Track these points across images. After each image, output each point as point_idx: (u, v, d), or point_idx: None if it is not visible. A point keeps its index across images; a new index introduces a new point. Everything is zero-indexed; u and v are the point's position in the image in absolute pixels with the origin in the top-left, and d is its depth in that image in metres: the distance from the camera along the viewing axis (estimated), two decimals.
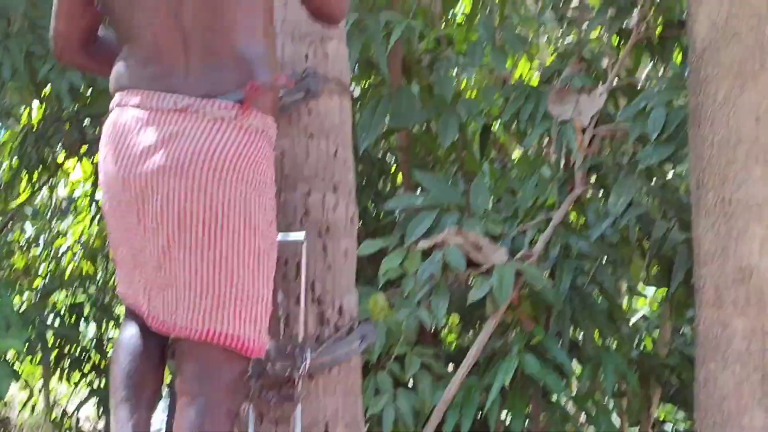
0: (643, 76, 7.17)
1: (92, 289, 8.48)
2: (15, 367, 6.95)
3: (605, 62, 5.97)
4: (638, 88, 5.90)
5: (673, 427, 8.48)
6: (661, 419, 8.32)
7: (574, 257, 5.52)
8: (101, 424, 8.72)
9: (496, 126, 6.53)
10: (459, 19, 7.60)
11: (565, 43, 6.76)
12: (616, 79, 5.75)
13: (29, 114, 7.82)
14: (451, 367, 5.58)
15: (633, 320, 7.56)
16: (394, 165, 7.25)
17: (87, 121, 7.48)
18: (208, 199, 2.72)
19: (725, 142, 4.27)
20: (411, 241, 5.44)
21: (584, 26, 6.28)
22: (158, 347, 3.11)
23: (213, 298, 2.77)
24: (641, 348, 6.61)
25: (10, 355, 7.02)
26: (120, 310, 9.41)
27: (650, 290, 7.88)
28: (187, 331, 2.80)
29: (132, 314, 3.12)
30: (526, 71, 7.83)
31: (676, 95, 5.18)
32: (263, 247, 2.83)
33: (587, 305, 5.50)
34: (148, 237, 2.79)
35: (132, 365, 3.07)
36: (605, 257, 5.48)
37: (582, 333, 5.63)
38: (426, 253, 5.37)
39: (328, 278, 3.35)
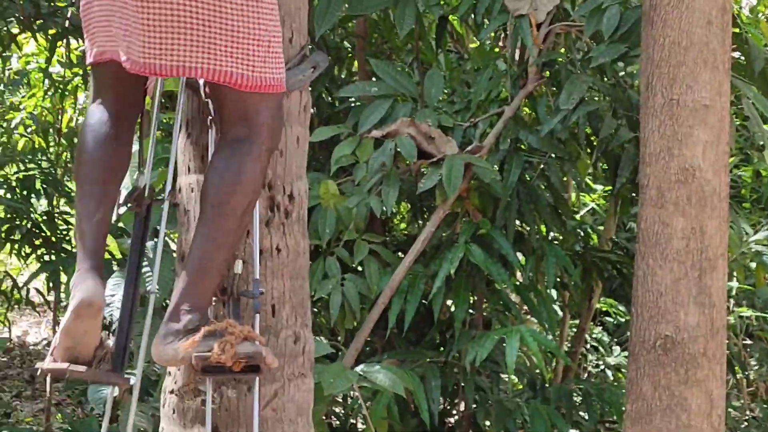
0: None
1: (44, 164, 8.45)
2: None
3: None
4: None
5: (613, 320, 8.69)
6: (602, 312, 8.53)
7: (523, 152, 5.60)
8: (51, 298, 8.76)
9: (453, 17, 6.51)
10: None
11: None
12: None
13: None
14: (399, 255, 5.67)
15: (580, 214, 7.70)
16: (351, 52, 7.23)
17: None
18: None
19: (676, 45, 4.32)
20: (364, 130, 5.48)
21: None
22: (128, 132, 3.23)
23: (230, 40, 2.93)
24: (586, 242, 6.74)
25: None
26: (71, 185, 9.42)
27: (599, 188, 7.99)
28: (197, 71, 2.96)
29: (103, 92, 3.19)
30: None
31: None
32: None
33: (534, 199, 5.59)
34: None
35: (100, 152, 3.14)
36: (554, 153, 5.55)
37: (528, 226, 5.72)
38: (378, 143, 5.42)
39: (279, 164, 3.39)
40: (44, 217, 7.99)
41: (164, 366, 3.48)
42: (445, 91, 6.20)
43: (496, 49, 6.51)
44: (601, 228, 7.09)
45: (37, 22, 7.60)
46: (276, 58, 3.07)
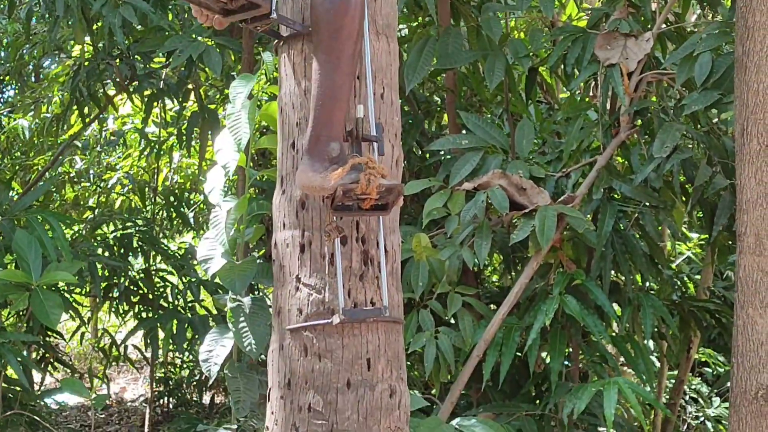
0: (692, 20, 7.12)
1: (140, 222, 8.61)
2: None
3: (653, 6, 5.93)
4: (686, 33, 5.86)
5: (712, 371, 8.53)
6: (700, 362, 8.38)
7: (617, 201, 5.55)
8: (148, 354, 8.88)
9: (542, 69, 6.52)
10: None
11: None
12: (664, 23, 5.71)
13: (81, 49, 7.91)
14: (492, 307, 5.65)
15: (676, 263, 7.60)
16: (440, 106, 7.27)
17: (138, 57, 7.55)
18: None
19: None
20: (455, 182, 5.49)
21: None
22: None
23: None
24: (683, 291, 6.63)
25: (61, 285, 7.15)
26: (168, 243, 9.57)
27: (694, 236, 7.89)
28: None
29: None
30: (575, 14, 7.79)
31: (724, 41, 5.16)
32: None
33: (629, 248, 5.53)
34: None
35: None
36: (648, 201, 5.50)
37: (623, 276, 5.66)
38: (470, 195, 5.42)
39: (372, 218, 3.41)
40: (141, 275, 8.13)
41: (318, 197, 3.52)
42: (536, 141, 6.19)
43: (587, 99, 6.49)
44: (698, 277, 6.99)
45: (133, 83, 7.79)
46: None
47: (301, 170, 3.21)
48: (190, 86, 7.85)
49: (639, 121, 5.60)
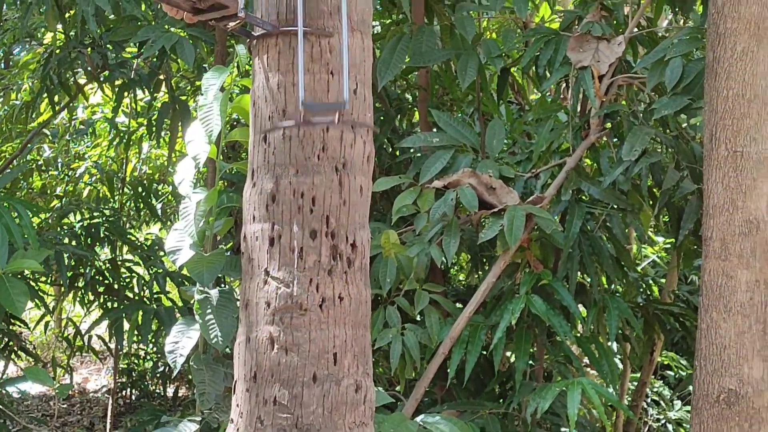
0: (664, 25, 7.17)
1: (107, 212, 8.57)
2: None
3: (626, 10, 5.97)
4: (658, 37, 5.90)
5: (674, 374, 8.60)
6: (663, 365, 8.44)
7: (585, 203, 5.58)
8: (112, 345, 8.84)
9: (514, 69, 6.55)
10: None
11: None
12: (636, 27, 5.75)
13: (53, 37, 7.86)
14: (459, 305, 5.67)
15: (642, 266, 7.65)
16: (412, 103, 7.28)
17: (110, 47, 7.51)
18: None
19: (740, 97, 4.32)
20: (425, 180, 5.50)
21: None
22: None
23: None
24: (648, 294, 6.67)
25: (27, 274, 7.11)
26: (135, 234, 9.54)
27: (660, 240, 7.94)
28: None
29: None
30: (548, 15, 7.82)
31: (695, 47, 5.20)
32: None
33: (596, 250, 5.57)
34: None
35: None
36: (616, 204, 5.54)
37: (589, 277, 5.70)
38: (439, 193, 5.44)
39: (343, 213, 3.42)
40: (108, 265, 8.09)
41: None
42: (507, 142, 6.21)
43: (558, 101, 6.52)
44: (663, 280, 7.04)
45: (104, 73, 7.75)
46: None
47: None
48: (161, 77, 7.82)
49: (609, 123, 5.63)
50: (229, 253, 4.72)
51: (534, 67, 5.84)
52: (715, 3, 4.43)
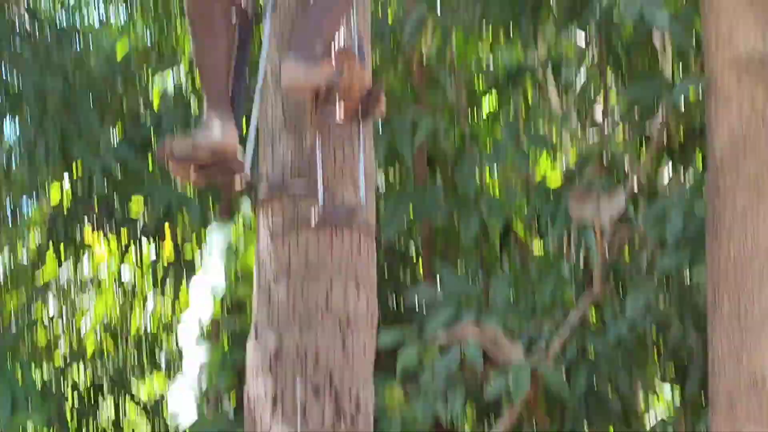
0: (665, 179, 7.22)
1: (111, 368, 8.53)
2: None
3: (627, 165, 6.03)
4: (658, 192, 5.94)
5: None
6: None
7: (590, 358, 5.55)
8: None
9: (516, 224, 6.58)
10: (484, 116, 7.68)
11: (589, 143, 6.82)
12: (637, 182, 5.80)
13: (61, 192, 7.92)
14: None
15: (650, 421, 7.54)
16: (416, 255, 7.30)
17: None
18: None
19: (742, 254, 4.33)
20: (430, 334, 5.48)
21: (607, 129, 6.34)
22: None
23: None
24: None
25: (30, 430, 7.04)
26: (138, 388, 9.46)
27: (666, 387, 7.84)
28: None
29: None
30: (549, 169, 7.89)
31: (696, 202, 5.23)
32: None
33: (602, 406, 5.51)
34: None
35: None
36: (621, 359, 5.50)
37: None
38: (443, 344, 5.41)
39: (346, 371, 3.39)
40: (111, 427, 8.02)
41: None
42: (510, 294, 6.20)
43: (560, 254, 6.53)
44: None
45: (110, 226, 7.77)
46: None
47: (286, 66, 3.20)
48: (167, 229, 7.84)
49: (611, 277, 5.64)
50: (233, 408, 4.70)
51: (536, 222, 5.87)
52: (714, 159, 4.48)
